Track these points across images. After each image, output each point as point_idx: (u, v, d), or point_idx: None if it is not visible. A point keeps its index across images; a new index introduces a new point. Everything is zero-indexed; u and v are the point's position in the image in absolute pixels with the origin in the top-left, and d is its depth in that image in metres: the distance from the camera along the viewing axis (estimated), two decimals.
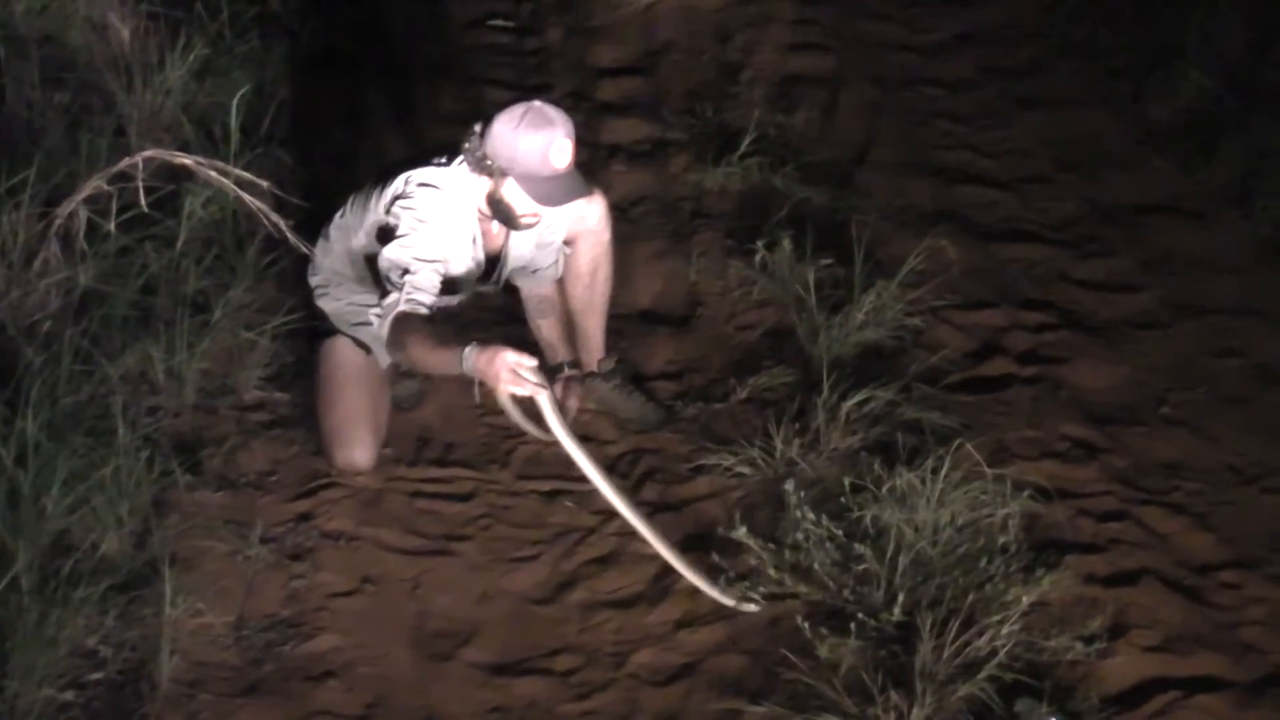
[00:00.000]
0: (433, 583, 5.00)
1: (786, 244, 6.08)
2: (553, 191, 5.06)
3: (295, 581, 4.92)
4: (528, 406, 4.94)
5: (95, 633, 4.54)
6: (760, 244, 6.17)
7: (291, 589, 4.90)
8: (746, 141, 6.91)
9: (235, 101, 6.04)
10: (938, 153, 7.37)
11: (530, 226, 5.22)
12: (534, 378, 4.79)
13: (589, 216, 5.50)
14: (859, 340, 5.81)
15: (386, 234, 5.13)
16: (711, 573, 4.89)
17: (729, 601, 4.84)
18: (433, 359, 4.96)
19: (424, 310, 5.02)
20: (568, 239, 5.53)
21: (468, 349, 4.82)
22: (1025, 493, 5.02)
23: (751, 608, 4.83)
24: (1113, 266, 6.57)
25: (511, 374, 4.76)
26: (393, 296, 5.03)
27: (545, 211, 5.14)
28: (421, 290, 5.02)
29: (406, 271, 5.03)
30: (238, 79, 6.48)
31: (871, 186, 6.97)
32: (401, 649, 4.75)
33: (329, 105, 7.18)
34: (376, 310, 5.09)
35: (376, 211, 5.21)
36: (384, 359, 5.38)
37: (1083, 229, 6.83)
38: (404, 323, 4.98)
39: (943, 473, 4.92)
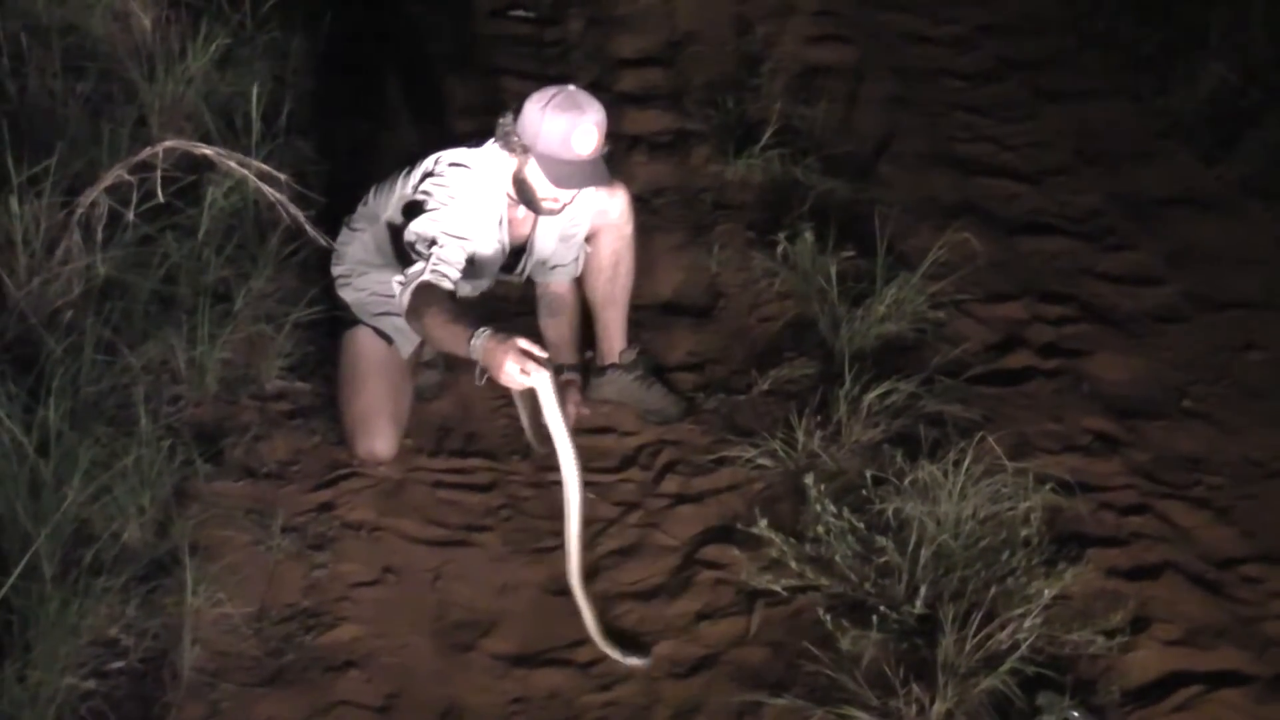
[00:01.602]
0: (454, 573, 5.00)
1: (808, 236, 6.09)
2: (570, 176, 5.06)
3: (316, 571, 4.93)
4: (530, 402, 4.92)
5: (117, 622, 4.54)
6: (782, 236, 6.18)
7: (312, 579, 4.90)
8: (768, 133, 6.91)
9: (256, 91, 6.04)
10: (959, 145, 7.38)
11: (551, 212, 5.22)
12: (541, 363, 4.72)
13: (611, 210, 5.50)
14: (881, 332, 5.81)
15: (415, 209, 5.15)
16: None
17: (614, 654, 4.74)
18: (445, 333, 4.91)
19: (448, 284, 5.01)
20: (590, 232, 5.53)
21: (481, 330, 4.77)
22: (1047, 486, 5.02)
23: (635, 662, 4.73)
24: (1134, 259, 6.57)
25: (519, 357, 4.69)
26: (418, 265, 5.02)
27: (560, 194, 5.14)
28: (447, 264, 5.01)
29: (434, 244, 5.03)
30: (259, 69, 6.49)
31: (893, 178, 6.97)
32: (422, 639, 4.75)
33: (349, 95, 7.19)
34: (400, 278, 5.07)
35: (405, 189, 5.24)
36: (406, 349, 5.38)
37: (1104, 221, 6.83)
38: (426, 292, 4.96)
39: (964, 465, 4.92)
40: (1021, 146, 7.39)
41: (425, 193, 5.13)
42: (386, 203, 5.33)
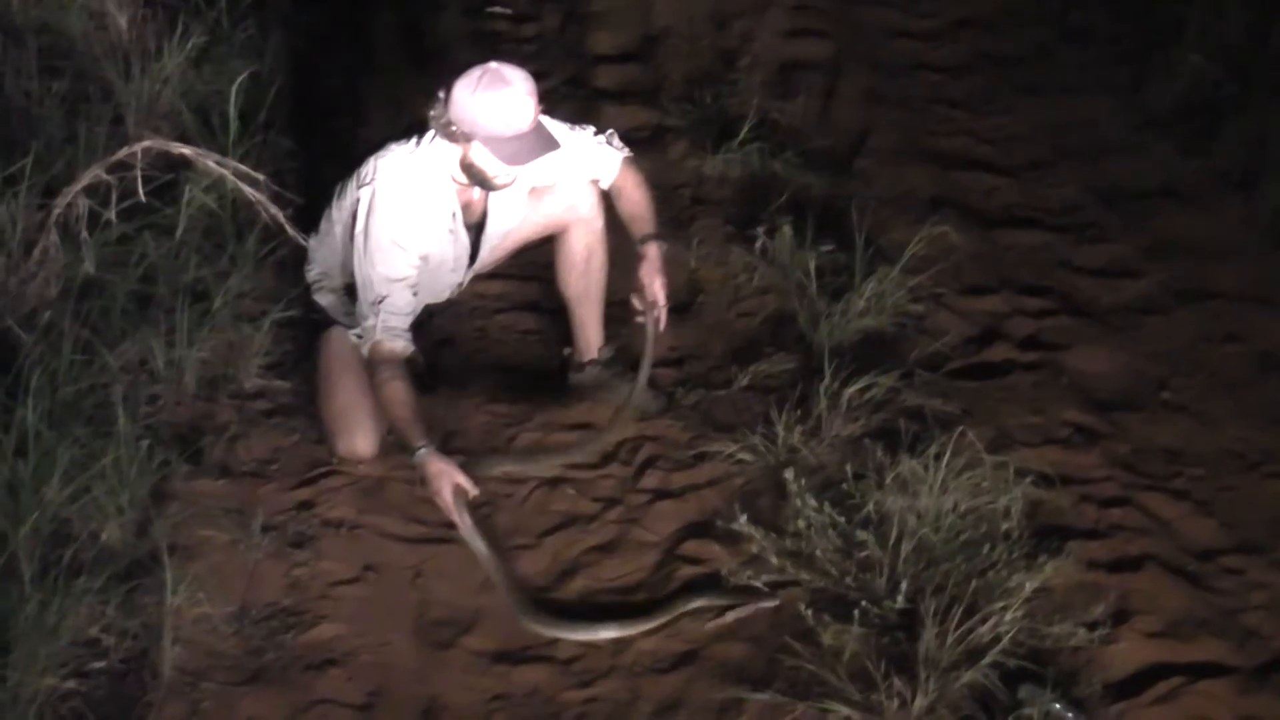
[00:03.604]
0: (434, 571, 4.99)
1: (787, 230, 6.09)
2: (518, 150, 5.06)
3: (296, 570, 4.91)
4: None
5: (97, 622, 4.53)
6: (760, 230, 6.19)
7: (293, 577, 4.89)
8: (746, 128, 6.91)
9: (233, 89, 6.03)
10: (937, 139, 7.37)
11: (506, 186, 5.23)
12: (463, 514, 5.00)
13: (580, 205, 5.49)
14: (860, 327, 5.81)
15: (356, 235, 5.21)
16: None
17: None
18: (397, 424, 5.11)
19: (401, 343, 5.14)
20: (560, 228, 5.54)
21: (424, 450, 5.02)
22: (1027, 479, 5.02)
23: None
24: (1113, 252, 6.57)
25: (453, 494, 5.00)
26: (370, 323, 5.14)
27: (514, 171, 5.15)
28: (396, 314, 5.14)
29: (381, 300, 5.13)
30: (236, 67, 6.44)
31: (871, 173, 6.97)
32: (403, 637, 4.75)
33: (327, 92, 7.18)
34: (357, 332, 5.24)
35: (350, 203, 5.27)
36: None
37: (1083, 215, 6.83)
38: (384, 366, 5.12)
39: (945, 459, 4.92)
40: (1000, 140, 7.39)
41: (366, 219, 5.17)
42: (338, 214, 5.37)
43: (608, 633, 4.79)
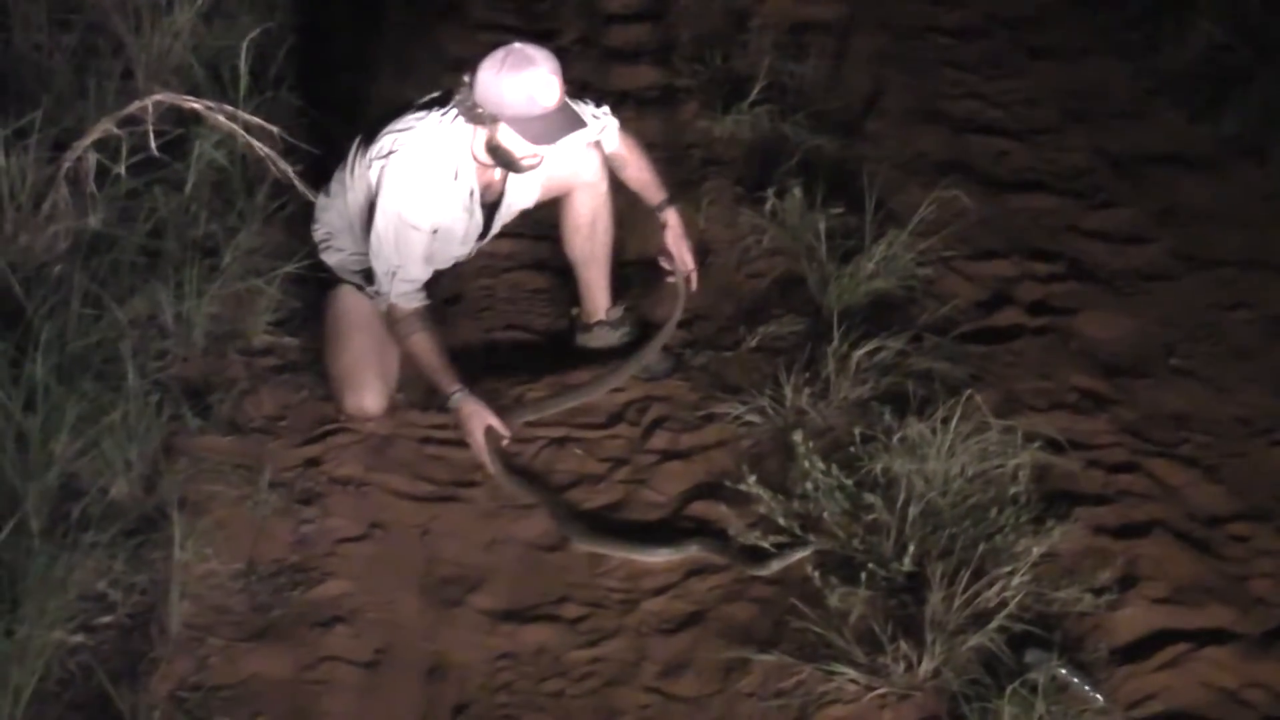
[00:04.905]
0: (442, 529, 5.00)
1: (797, 192, 6.08)
2: (546, 129, 5.05)
3: (304, 527, 4.92)
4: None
5: (105, 576, 4.54)
6: (770, 192, 6.18)
7: (300, 534, 4.90)
8: (756, 89, 6.90)
9: (244, 45, 6.01)
10: (948, 102, 7.36)
11: (533, 168, 5.22)
12: (494, 457, 5.14)
13: (584, 170, 5.49)
14: (869, 289, 5.81)
15: (373, 206, 5.20)
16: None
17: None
18: (428, 372, 5.23)
19: (416, 302, 5.22)
20: (565, 192, 5.53)
21: (458, 394, 5.14)
22: (1035, 443, 5.02)
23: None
24: (1122, 217, 6.56)
25: (488, 435, 5.13)
26: (384, 289, 5.20)
27: (543, 150, 5.13)
28: (408, 281, 5.19)
29: (394, 271, 5.17)
30: (246, 22, 6.45)
31: (881, 135, 6.96)
32: (410, 595, 4.75)
33: (337, 49, 7.15)
34: (373, 289, 5.26)
35: (365, 171, 5.23)
36: None
37: (1093, 179, 6.82)
38: (403, 321, 5.21)
39: (953, 423, 4.92)
40: (1010, 103, 7.38)
41: (381, 195, 5.16)
42: (351, 180, 5.32)
43: (656, 557, 4.91)
